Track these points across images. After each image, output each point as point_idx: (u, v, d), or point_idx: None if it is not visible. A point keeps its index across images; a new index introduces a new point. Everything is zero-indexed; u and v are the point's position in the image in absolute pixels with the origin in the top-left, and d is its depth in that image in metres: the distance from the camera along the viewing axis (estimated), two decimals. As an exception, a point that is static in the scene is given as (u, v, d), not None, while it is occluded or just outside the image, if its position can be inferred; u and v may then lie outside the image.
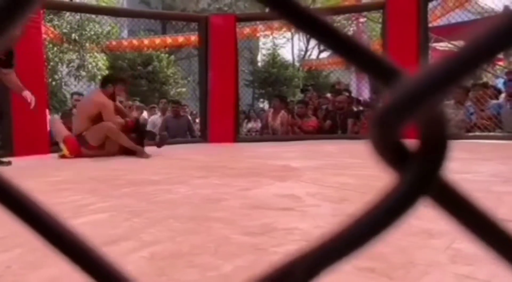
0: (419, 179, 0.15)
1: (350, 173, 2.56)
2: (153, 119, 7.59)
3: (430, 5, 6.20)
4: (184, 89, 14.30)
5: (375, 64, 0.16)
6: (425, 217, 1.36)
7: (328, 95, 7.60)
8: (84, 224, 1.40)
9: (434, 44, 7.40)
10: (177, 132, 6.82)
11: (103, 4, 10.08)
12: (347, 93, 7.27)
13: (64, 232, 0.19)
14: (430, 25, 6.35)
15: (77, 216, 1.53)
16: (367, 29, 13.97)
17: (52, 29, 9.24)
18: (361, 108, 7.14)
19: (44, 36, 5.74)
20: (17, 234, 1.28)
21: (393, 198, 0.16)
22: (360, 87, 11.46)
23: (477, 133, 5.41)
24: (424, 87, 0.14)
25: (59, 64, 10.43)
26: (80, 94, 7.10)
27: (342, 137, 6.19)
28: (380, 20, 7.02)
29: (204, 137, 6.41)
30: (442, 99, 0.14)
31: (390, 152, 0.16)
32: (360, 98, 8.29)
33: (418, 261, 0.97)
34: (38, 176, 2.89)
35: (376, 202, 0.16)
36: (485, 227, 0.16)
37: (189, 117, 7.47)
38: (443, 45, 8.66)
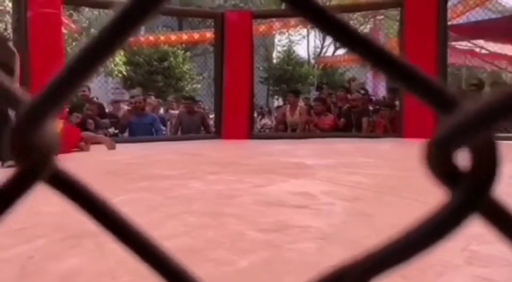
0: (470, 196, 0.17)
1: (364, 172, 2.55)
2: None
3: (450, 3, 6.11)
4: (199, 86, 14.38)
5: (434, 92, 0.17)
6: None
7: (341, 92, 7.52)
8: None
9: (454, 43, 7.29)
10: (190, 128, 6.86)
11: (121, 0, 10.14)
12: (362, 91, 7.20)
13: (137, 233, 0.21)
14: (449, 23, 6.26)
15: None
16: (384, 27, 13.82)
17: (72, 23, 9.39)
18: (377, 107, 7.08)
19: (64, 31, 5.83)
20: (39, 225, 1.32)
21: (444, 213, 0.17)
22: (376, 86, 11.36)
23: (498, 134, 5.32)
24: (479, 119, 0.16)
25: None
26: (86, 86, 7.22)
27: (356, 136, 6.15)
28: (398, 17, 6.94)
29: (218, 134, 6.44)
30: (495, 128, 0.16)
31: (444, 171, 0.17)
32: (372, 97, 8.20)
33: (433, 262, 0.97)
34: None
35: (428, 217, 0.17)
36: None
37: (204, 114, 7.50)
38: (462, 44, 8.52)
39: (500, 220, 0.17)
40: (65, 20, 6.40)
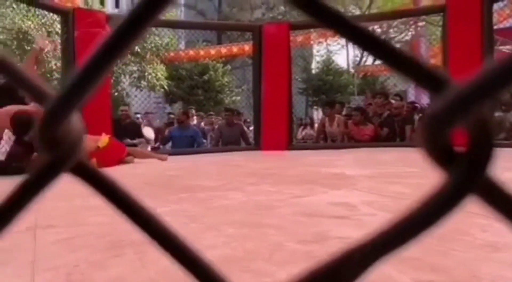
0: (466, 177, 0.17)
1: (407, 182, 2.47)
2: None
3: (496, 6, 5.87)
4: (238, 98, 14.56)
5: (425, 73, 0.17)
6: (491, 229, 1.28)
7: (379, 99, 7.28)
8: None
9: (501, 47, 6.99)
10: (230, 140, 6.94)
11: (162, 17, 10.54)
12: (397, 98, 7.02)
13: (175, 238, 0.23)
14: (495, 27, 6.01)
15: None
16: (426, 33, 13.47)
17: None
18: (421, 115, 6.86)
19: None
20: (84, 235, 1.37)
21: (442, 195, 0.17)
22: (419, 93, 11.05)
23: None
24: (471, 95, 0.15)
25: (122, 75, 11.03)
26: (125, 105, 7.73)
27: (399, 145, 5.97)
28: (440, 23, 6.74)
29: (257, 145, 6.47)
30: (488, 105, 0.15)
31: (439, 153, 0.17)
32: (417, 105, 7.95)
33: (482, 275, 0.92)
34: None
35: (426, 199, 0.18)
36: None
37: (243, 125, 7.57)
38: (510, 48, 8.15)
39: (497, 199, 0.17)
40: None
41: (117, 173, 3.54)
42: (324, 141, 7.01)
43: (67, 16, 5.26)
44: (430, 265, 0.96)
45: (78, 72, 0.19)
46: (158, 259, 1.02)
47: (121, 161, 4.38)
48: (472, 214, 1.47)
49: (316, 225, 1.46)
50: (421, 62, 0.17)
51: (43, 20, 6.73)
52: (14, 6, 8.22)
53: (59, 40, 6.01)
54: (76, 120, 0.20)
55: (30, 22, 8.60)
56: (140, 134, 6.61)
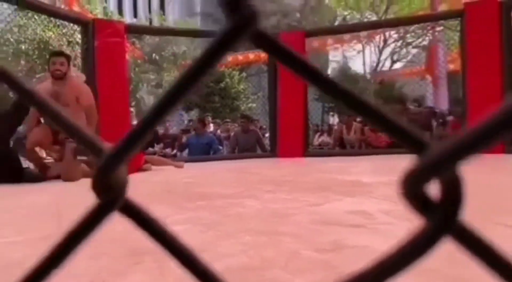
0: (442, 223, 0.20)
1: (426, 189, 2.44)
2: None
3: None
4: (254, 105, 14.61)
5: (406, 134, 0.21)
6: None
7: (397, 106, 7.25)
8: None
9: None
10: (246, 146, 6.97)
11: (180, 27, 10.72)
12: (415, 104, 6.96)
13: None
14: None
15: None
16: (444, 38, 13.31)
17: (136, 49, 10.00)
18: (440, 120, 6.78)
19: (128, 57, 6.21)
20: (105, 242, 1.40)
21: (420, 238, 0.21)
22: (438, 99, 10.91)
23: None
24: (443, 159, 0.19)
25: (140, 83, 11.23)
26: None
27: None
28: (459, 28, 6.67)
29: (273, 152, 6.48)
30: (460, 165, 0.19)
31: (417, 202, 0.21)
32: (437, 110, 7.86)
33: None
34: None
35: (407, 241, 0.21)
36: (497, 263, 0.21)
37: (259, 132, 7.59)
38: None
39: (468, 240, 0.21)
40: (128, 47, 6.82)
41: (135, 181, 3.58)
42: (341, 148, 6.99)
43: (87, 27, 5.38)
44: (450, 276, 0.96)
45: (131, 131, 0.22)
46: (176, 267, 1.03)
47: (139, 169, 4.44)
48: (493, 224, 1.45)
49: (332, 233, 1.46)
50: (404, 124, 0.21)
51: (63, 31, 6.91)
52: (36, 17, 8.46)
53: (79, 50, 6.14)
54: (123, 169, 0.24)
55: (51, 33, 8.82)
56: (158, 141, 6.71)
